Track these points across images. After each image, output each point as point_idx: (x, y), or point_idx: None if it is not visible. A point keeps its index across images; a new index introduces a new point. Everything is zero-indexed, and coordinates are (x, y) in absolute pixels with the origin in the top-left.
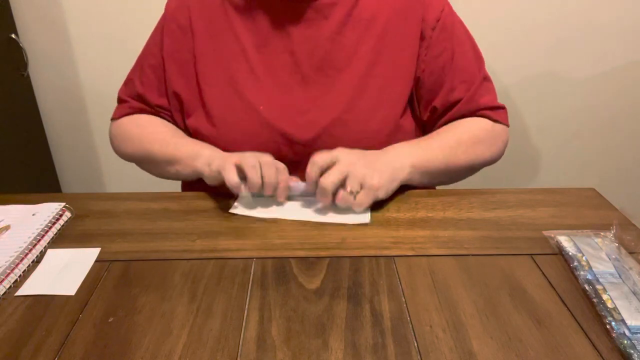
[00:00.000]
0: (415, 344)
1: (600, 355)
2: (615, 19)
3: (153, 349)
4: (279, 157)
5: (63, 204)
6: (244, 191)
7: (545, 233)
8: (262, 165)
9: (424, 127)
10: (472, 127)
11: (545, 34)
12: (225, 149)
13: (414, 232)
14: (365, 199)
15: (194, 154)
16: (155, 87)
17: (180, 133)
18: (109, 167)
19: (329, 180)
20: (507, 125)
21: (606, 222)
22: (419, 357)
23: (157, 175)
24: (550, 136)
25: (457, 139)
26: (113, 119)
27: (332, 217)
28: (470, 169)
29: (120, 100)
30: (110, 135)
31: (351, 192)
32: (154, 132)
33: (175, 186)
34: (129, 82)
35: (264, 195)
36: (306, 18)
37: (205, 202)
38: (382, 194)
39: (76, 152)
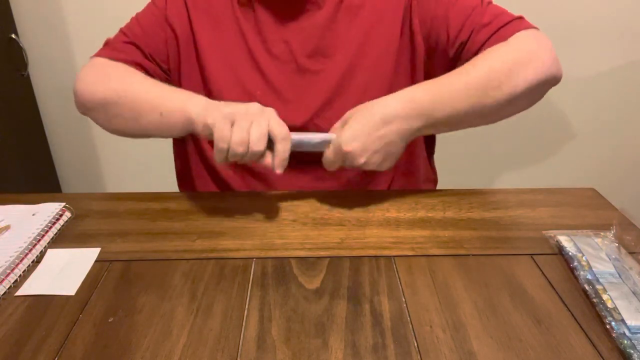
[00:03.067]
0: (415, 344)
1: (600, 355)
2: (615, 19)
3: (153, 349)
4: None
5: (63, 204)
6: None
7: (545, 233)
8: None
9: None
10: (491, 50)
11: (545, 34)
12: None
13: (414, 232)
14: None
15: (185, 97)
16: (147, 36)
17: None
18: (109, 167)
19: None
20: (535, 27)
21: (606, 222)
22: (419, 357)
23: (123, 131)
24: (550, 136)
25: (472, 64)
26: (92, 57)
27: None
28: (507, 97)
29: (105, 43)
30: (80, 73)
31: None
32: (137, 74)
33: (176, 186)
34: (119, 33)
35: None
36: (302, 9)
37: (205, 202)
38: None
39: (76, 152)
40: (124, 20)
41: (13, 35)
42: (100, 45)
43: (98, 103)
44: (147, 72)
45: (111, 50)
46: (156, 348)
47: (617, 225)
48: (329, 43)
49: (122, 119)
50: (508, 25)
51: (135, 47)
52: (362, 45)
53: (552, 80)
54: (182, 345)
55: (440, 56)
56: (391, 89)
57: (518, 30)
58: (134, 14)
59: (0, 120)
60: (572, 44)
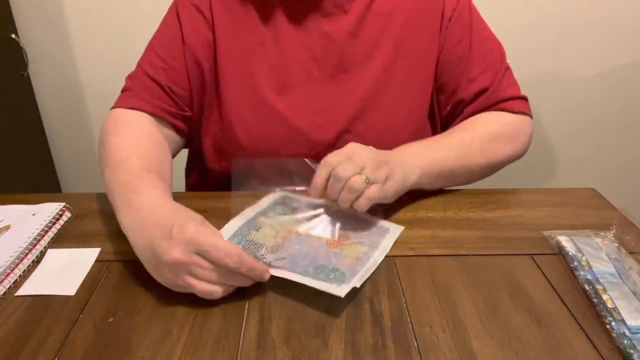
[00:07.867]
0: (415, 344)
1: (600, 355)
2: (615, 18)
3: (153, 349)
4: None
5: (63, 204)
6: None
7: (545, 233)
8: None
9: (444, 123)
10: (488, 123)
11: (546, 33)
12: (244, 148)
13: (414, 232)
14: (375, 194)
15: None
16: (169, 68)
17: (153, 168)
18: None
19: (346, 172)
20: (530, 117)
21: (606, 222)
22: (419, 357)
23: None
24: (551, 136)
25: (472, 136)
26: (112, 107)
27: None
28: (489, 168)
29: (124, 89)
30: (101, 129)
31: (367, 179)
32: (128, 162)
33: (176, 186)
34: (137, 67)
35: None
36: (326, 13)
37: (205, 202)
38: (389, 198)
39: (76, 152)
40: (123, 20)
41: (13, 35)
42: (100, 45)
43: None
44: (165, 111)
45: (127, 97)
46: (156, 348)
47: (617, 225)
48: (356, 51)
49: None
50: (506, 103)
51: (155, 84)
52: (395, 57)
53: (512, 160)
54: (182, 345)
55: (442, 98)
56: (419, 105)
57: (509, 111)
58: (133, 16)
59: (0, 120)
60: (573, 43)
